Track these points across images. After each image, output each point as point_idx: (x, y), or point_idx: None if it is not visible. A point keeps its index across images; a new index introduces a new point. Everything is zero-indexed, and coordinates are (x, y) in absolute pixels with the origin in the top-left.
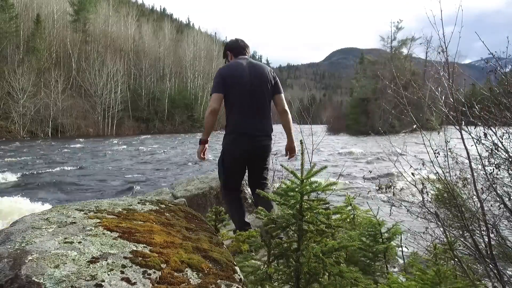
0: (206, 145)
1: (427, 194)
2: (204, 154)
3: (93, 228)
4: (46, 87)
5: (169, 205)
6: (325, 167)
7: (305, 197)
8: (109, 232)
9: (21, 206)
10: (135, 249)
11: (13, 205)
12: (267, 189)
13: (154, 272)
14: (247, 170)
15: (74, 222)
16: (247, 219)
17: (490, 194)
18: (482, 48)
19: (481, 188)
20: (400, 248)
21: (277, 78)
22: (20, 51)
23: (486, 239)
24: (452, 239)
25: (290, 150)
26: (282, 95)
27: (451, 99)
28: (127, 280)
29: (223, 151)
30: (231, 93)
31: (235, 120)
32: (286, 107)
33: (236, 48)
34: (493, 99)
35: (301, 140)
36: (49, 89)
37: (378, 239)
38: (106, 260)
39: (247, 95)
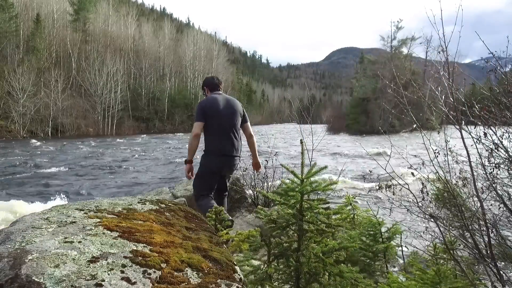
0: (192, 165)
1: (427, 194)
2: (191, 174)
3: (93, 228)
4: (46, 87)
5: (169, 204)
6: (325, 166)
7: (305, 197)
8: (109, 232)
9: (21, 206)
10: (135, 248)
11: (13, 204)
12: (226, 193)
13: (154, 272)
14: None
15: (74, 222)
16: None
17: (490, 194)
18: (482, 48)
19: (481, 188)
20: (400, 248)
21: (244, 110)
22: (20, 51)
23: (486, 239)
24: (452, 238)
25: (255, 166)
26: (249, 123)
27: (451, 98)
28: (127, 280)
29: (202, 166)
30: (210, 121)
31: (214, 142)
32: (252, 132)
33: (212, 84)
34: (493, 98)
35: (301, 140)
36: (49, 88)
37: (378, 239)
38: (106, 260)
39: (223, 123)
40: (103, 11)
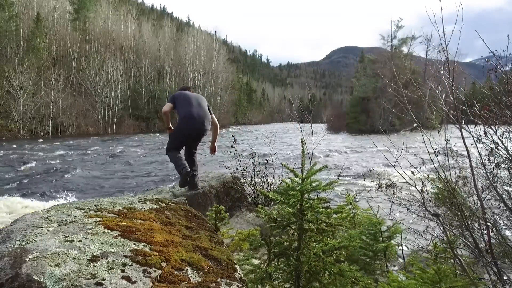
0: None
1: (427, 193)
2: (171, 130)
3: (93, 227)
4: (46, 86)
5: (169, 203)
6: (326, 166)
7: (306, 196)
8: (109, 231)
9: (21, 205)
10: (135, 247)
11: (13, 203)
12: (196, 155)
13: (155, 271)
14: (186, 145)
15: (75, 221)
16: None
17: (490, 193)
18: (483, 47)
19: (481, 187)
20: (400, 247)
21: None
22: (20, 50)
23: (486, 238)
24: (452, 237)
25: (212, 149)
26: (214, 115)
27: (451, 97)
28: (128, 279)
29: (177, 131)
30: (181, 103)
31: (186, 117)
32: (217, 123)
33: (182, 88)
34: (493, 97)
35: (301, 139)
36: (49, 87)
37: (378, 238)
38: (107, 259)
39: (194, 104)
40: (103, 10)
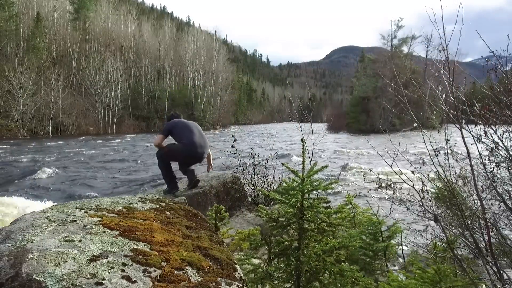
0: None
1: (427, 193)
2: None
3: (93, 227)
4: (46, 86)
5: (170, 203)
6: (326, 166)
7: (306, 196)
8: (109, 231)
9: (22, 204)
10: (135, 247)
11: (13, 203)
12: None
13: (155, 270)
14: (186, 162)
15: (75, 221)
16: (179, 185)
17: (490, 193)
18: (483, 46)
19: (481, 187)
20: (400, 247)
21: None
22: (20, 50)
23: (486, 238)
24: (452, 237)
25: (209, 168)
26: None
27: (451, 97)
28: (128, 278)
29: (176, 152)
30: (181, 130)
31: (189, 145)
32: (210, 151)
33: (172, 116)
34: (493, 97)
35: (302, 139)
36: (49, 87)
37: (378, 238)
38: (107, 258)
39: (196, 133)
40: (103, 9)
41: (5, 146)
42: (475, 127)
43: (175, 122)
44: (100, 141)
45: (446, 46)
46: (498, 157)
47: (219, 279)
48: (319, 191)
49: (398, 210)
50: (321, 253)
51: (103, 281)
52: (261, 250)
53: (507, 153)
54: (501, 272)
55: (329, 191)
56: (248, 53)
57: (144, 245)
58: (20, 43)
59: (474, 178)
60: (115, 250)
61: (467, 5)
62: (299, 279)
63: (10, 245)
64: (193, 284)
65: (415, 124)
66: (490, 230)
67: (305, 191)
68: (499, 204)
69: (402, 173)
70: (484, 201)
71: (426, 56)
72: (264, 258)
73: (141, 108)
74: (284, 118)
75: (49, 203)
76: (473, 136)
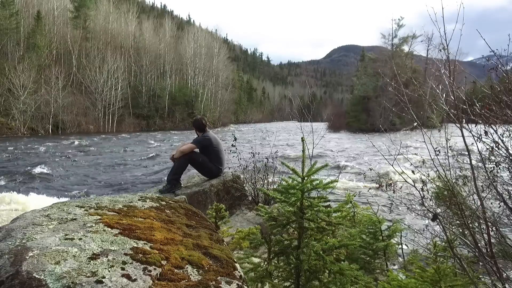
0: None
1: (427, 192)
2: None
3: (93, 225)
4: (47, 84)
5: (170, 202)
6: (326, 165)
7: (306, 195)
8: (109, 229)
9: (22, 203)
10: (135, 245)
11: (14, 201)
12: None
13: (155, 269)
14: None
15: (75, 219)
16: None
17: (490, 192)
18: (484, 46)
19: (481, 186)
20: (400, 246)
21: None
22: (20, 48)
23: (486, 237)
24: (452, 237)
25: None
26: None
27: (452, 96)
28: (128, 277)
29: (207, 168)
30: (217, 151)
31: (222, 167)
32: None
33: (203, 125)
34: (494, 97)
35: (302, 138)
36: (49, 85)
37: (378, 237)
38: (107, 257)
39: (224, 158)
40: (103, 8)
41: (5, 144)
42: (475, 126)
43: (211, 140)
44: (101, 139)
45: (447, 45)
46: (498, 157)
47: (219, 277)
48: (319, 190)
49: (398, 209)
50: (321, 252)
51: (103, 279)
52: (261, 249)
53: (507, 153)
54: (501, 271)
55: (329, 190)
56: (249, 51)
57: (144, 243)
58: (21, 41)
59: (474, 177)
60: (115, 248)
61: (469, 5)
62: (299, 278)
63: (10, 243)
64: (193, 282)
65: (415, 124)
66: (490, 229)
67: (305, 190)
68: (499, 204)
69: (402, 172)
70: (484, 201)
71: (427, 55)
72: (264, 257)
73: (141, 107)
74: (285, 117)
75: (49, 202)
76: (473, 136)
